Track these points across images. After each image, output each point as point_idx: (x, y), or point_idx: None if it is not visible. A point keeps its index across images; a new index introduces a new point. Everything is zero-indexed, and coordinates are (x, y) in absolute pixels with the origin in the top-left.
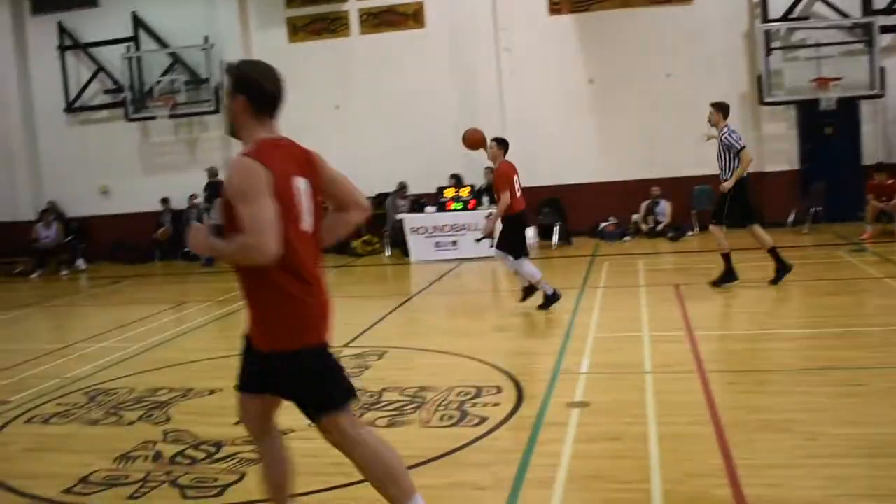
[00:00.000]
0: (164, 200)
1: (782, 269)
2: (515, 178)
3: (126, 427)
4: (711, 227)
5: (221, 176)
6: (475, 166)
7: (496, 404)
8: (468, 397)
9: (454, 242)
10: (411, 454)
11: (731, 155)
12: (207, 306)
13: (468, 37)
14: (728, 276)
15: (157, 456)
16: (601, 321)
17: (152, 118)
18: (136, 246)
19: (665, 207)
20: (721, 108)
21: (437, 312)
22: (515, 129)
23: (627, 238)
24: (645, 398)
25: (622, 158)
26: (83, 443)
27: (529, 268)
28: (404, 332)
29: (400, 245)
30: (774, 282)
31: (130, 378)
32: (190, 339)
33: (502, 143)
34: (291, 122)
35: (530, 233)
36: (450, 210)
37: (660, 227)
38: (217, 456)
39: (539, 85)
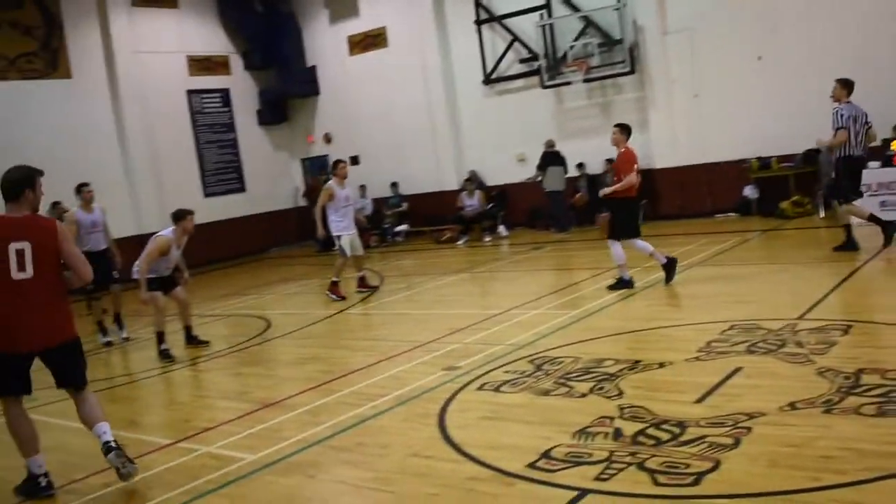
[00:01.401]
0: (580, 166)
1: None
2: (636, 165)
3: (578, 399)
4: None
5: (558, 147)
6: None
7: None
8: None
9: None
10: None
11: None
12: (635, 272)
13: None
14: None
15: (618, 433)
16: None
17: (567, 84)
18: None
19: None
20: (846, 85)
21: None
22: None
23: None
24: None
25: None
26: (537, 414)
27: (642, 244)
28: (865, 304)
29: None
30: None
31: (572, 347)
32: (623, 308)
33: (625, 129)
34: (706, 75)
35: None
36: None
37: None
38: (682, 438)
39: None
